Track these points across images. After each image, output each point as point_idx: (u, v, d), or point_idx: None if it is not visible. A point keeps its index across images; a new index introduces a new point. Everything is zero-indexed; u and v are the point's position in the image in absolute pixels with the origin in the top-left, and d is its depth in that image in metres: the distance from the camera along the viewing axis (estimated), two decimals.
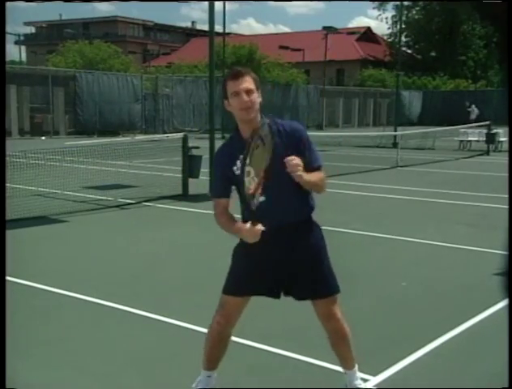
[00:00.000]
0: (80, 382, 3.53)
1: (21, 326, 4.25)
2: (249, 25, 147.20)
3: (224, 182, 2.99)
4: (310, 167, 2.92)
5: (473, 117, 34.12)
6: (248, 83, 2.89)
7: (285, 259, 3.00)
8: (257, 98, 2.91)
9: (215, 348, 3.15)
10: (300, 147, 2.93)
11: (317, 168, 2.98)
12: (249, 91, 2.88)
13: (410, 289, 5.38)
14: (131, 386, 3.51)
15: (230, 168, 2.94)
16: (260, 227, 2.77)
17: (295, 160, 2.73)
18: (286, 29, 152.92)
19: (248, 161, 2.77)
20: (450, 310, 4.81)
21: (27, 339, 4.07)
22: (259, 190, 2.74)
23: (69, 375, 3.61)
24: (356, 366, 3.26)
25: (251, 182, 2.79)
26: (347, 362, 3.25)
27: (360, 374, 3.29)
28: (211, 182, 3.16)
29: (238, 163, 2.90)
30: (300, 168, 2.74)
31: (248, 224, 2.79)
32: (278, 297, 3.12)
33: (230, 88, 2.89)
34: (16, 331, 3.96)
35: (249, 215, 2.82)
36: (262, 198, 2.81)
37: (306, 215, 3.07)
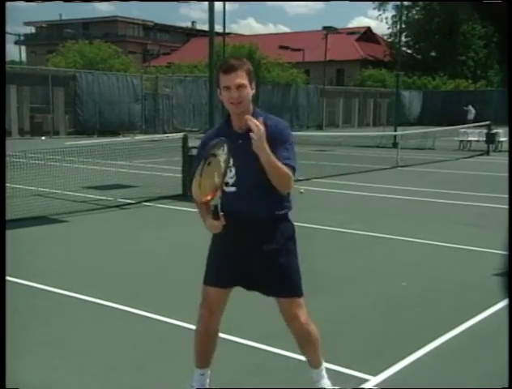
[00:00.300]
0: (80, 382, 3.53)
1: (21, 326, 4.25)
2: (248, 25, 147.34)
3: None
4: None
5: (470, 117, 34.06)
6: (240, 78, 2.89)
7: (249, 252, 3.00)
8: (249, 91, 2.93)
9: (204, 345, 3.17)
10: (276, 144, 2.90)
11: (288, 166, 2.93)
12: (240, 86, 2.89)
13: (410, 289, 5.38)
14: (131, 386, 3.51)
15: None
16: (220, 222, 2.84)
17: (261, 130, 2.74)
18: (286, 29, 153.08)
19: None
20: (449, 310, 4.81)
21: (27, 339, 4.07)
22: (210, 197, 2.79)
23: (69, 375, 3.61)
24: (323, 366, 3.23)
25: (228, 171, 2.87)
26: (312, 361, 3.23)
27: (325, 374, 3.23)
28: (193, 160, 3.14)
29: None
30: (262, 137, 2.74)
31: (209, 218, 2.86)
32: (252, 289, 3.12)
33: (222, 82, 2.92)
34: (16, 331, 3.96)
35: (222, 202, 2.90)
36: (233, 189, 2.92)
37: (277, 214, 3.03)
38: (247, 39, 45.27)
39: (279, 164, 2.83)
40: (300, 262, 3.12)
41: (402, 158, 16.46)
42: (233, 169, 2.94)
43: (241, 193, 2.93)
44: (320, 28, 43.36)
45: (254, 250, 3.00)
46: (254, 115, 2.96)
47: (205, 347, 3.17)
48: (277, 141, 2.90)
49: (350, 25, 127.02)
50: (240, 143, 2.91)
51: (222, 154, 2.78)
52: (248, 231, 2.97)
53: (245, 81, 2.90)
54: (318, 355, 3.21)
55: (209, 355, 3.19)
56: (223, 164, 2.78)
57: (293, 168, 2.90)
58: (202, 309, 3.15)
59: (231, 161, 2.88)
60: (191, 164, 10.01)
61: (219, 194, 2.81)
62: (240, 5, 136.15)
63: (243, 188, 2.92)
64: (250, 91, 2.94)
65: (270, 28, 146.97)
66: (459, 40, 53.01)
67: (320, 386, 3.22)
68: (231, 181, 2.97)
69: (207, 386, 3.21)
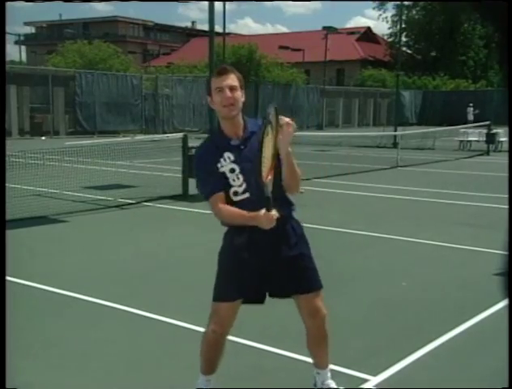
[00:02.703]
0: (80, 382, 3.53)
1: (21, 326, 4.25)
2: (246, 25, 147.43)
3: (214, 177, 2.96)
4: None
5: (470, 117, 33.97)
6: (231, 80, 2.90)
7: (269, 253, 2.98)
8: (240, 96, 2.93)
9: (213, 353, 3.14)
10: None
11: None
12: (232, 88, 2.89)
13: (410, 289, 5.38)
14: (131, 386, 3.51)
15: (214, 164, 2.94)
16: (275, 213, 2.76)
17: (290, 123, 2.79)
18: (284, 29, 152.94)
19: (233, 158, 2.90)
20: (449, 310, 4.81)
21: (27, 340, 4.08)
22: (270, 176, 2.75)
23: (69, 375, 3.61)
24: (329, 367, 3.24)
25: (235, 180, 2.90)
26: (322, 362, 3.21)
27: (330, 375, 3.24)
28: (199, 182, 3.06)
29: (222, 160, 2.93)
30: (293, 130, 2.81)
31: (263, 211, 2.77)
32: (262, 301, 3.09)
33: (214, 84, 2.91)
34: (16, 331, 3.95)
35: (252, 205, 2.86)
36: (246, 196, 2.90)
37: (290, 212, 3.05)
38: (247, 39, 45.24)
39: (295, 165, 2.90)
40: None
41: (402, 158, 16.46)
42: (241, 177, 2.93)
43: (255, 198, 2.88)
44: (318, 28, 43.44)
45: (274, 249, 2.98)
46: (245, 124, 2.99)
47: (214, 354, 3.14)
48: None
49: (348, 25, 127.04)
50: (242, 149, 2.93)
51: (271, 128, 2.76)
52: (266, 232, 2.90)
53: (236, 84, 2.91)
54: (327, 354, 3.21)
55: (217, 361, 3.17)
56: (271, 142, 2.74)
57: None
58: (213, 325, 3.06)
59: (236, 169, 2.91)
60: (191, 164, 10.07)
61: (271, 174, 2.76)
62: (237, 5, 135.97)
63: (256, 193, 2.87)
64: (241, 98, 2.94)
65: (269, 28, 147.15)
66: (460, 40, 53.01)
67: (327, 387, 3.22)
68: (240, 189, 2.94)
69: (211, 386, 3.20)
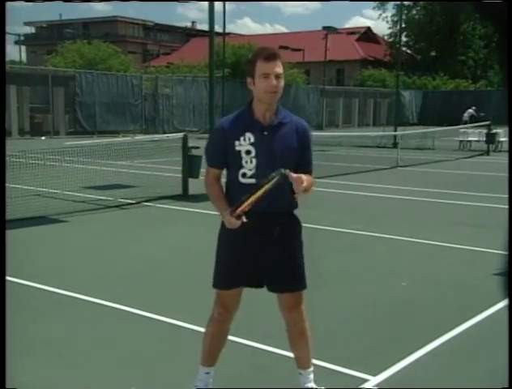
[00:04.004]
0: (80, 382, 3.53)
1: (21, 326, 4.25)
2: (245, 25, 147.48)
3: (222, 152, 2.96)
4: (304, 169, 3.00)
5: (465, 119, 33.89)
6: (279, 67, 2.88)
7: (265, 246, 2.97)
8: (283, 84, 2.91)
9: (215, 341, 3.15)
10: (304, 146, 3.02)
11: (309, 172, 3.05)
12: (278, 76, 2.87)
13: (410, 289, 5.38)
14: (131, 386, 3.51)
15: (232, 141, 2.92)
16: (242, 220, 2.79)
17: (304, 183, 2.78)
18: (283, 29, 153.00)
19: (253, 140, 2.87)
20: (449, 310, 4.81)
21: (27, 340, 4.07)
22: (246, 209, 2.78)
23: (69, 375, 3.61)
24: (312, 367, 3.21)
25: (248, 162, 2.89)
26: (303, 361, 3.19)
27: (313, 377, 3.22)
28: (207, 148, 3.09)
29: (242, 139, 2.90)
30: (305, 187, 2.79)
31: (228, 214, 2.81)
32: (262, 286, 3.09)
33: (261, 69, 2.85)
34: (16, 331, 3.95)
35: (234, 194, 2.88)
36: (252, 181, 2.88)
37: (291, 209, 3.05)
38: (246, 39, 45.24)
39: (309, 185, 2.91)
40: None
41: (402, 158, 16.47)
42: (254, 161, 2.90)
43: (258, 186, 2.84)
44: (317, 27, 43.52)
45: (270, 243, 2.97)
46: (277, 111, 2.97)
47: (217, 344, 3.15)
48: (303, 143, 3.01)
49: (347, 25, 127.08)
50: (264, 134, 2.91)
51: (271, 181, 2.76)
52: (264, 224, 2.93)
53: (282, 71, 2.89)
54: (310, 354, 3.19)
55: (218, 353, 3.19)
56: (264, 188, 2.75)
57: (312, 170, 3.10)
58: (218, 308, 3.11)
59: (253, 152, 2.89)
60: (191, 164, 10.09)
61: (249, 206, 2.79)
62: (236, 5, 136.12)
63: (261, 181, 2.83)
64: (282, 85, 2.92)
65: (267, 28, 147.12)
66: (459, 40, 53.04)
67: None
68: (250, 172, 2.92)
69: (211, 386, 3.20)
